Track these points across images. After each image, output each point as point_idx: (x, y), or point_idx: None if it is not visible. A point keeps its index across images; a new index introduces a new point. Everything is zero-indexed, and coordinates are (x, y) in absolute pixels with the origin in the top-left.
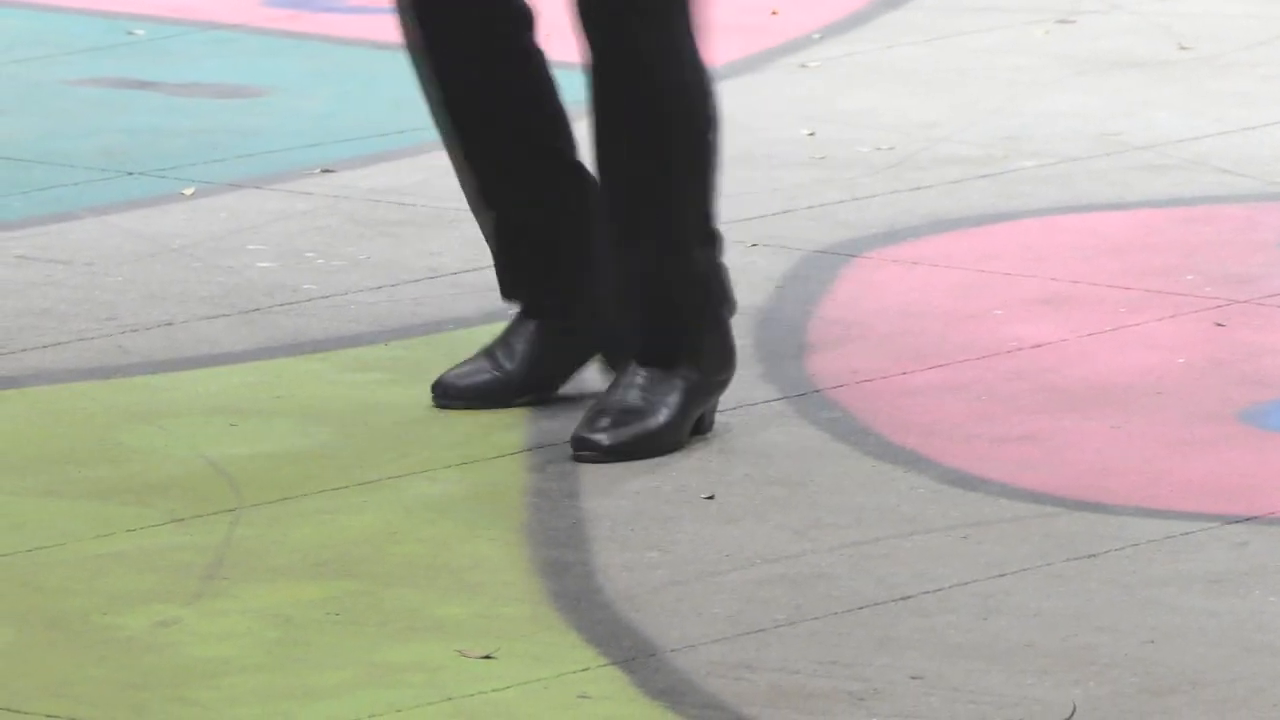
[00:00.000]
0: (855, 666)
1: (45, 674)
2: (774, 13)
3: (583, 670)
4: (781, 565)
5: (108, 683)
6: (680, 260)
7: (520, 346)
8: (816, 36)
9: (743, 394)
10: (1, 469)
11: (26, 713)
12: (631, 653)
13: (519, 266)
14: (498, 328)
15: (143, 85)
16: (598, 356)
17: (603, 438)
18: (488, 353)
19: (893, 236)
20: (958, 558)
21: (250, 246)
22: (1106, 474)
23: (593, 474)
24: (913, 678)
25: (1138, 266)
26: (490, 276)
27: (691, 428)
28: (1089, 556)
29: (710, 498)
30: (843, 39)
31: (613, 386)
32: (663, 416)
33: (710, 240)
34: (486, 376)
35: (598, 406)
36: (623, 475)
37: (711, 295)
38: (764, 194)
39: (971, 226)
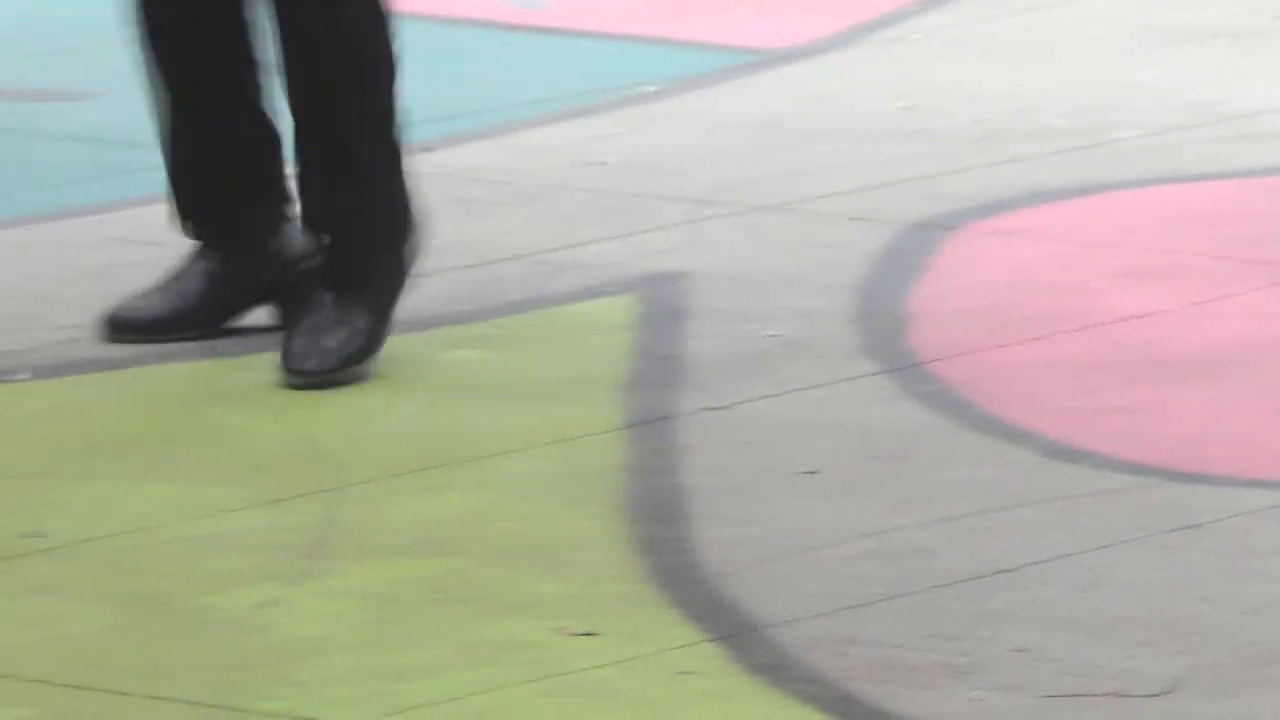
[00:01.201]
0: (956, 640)
1: (145, 656)
2: None
3: (682, 647)
4: (881, 540)
5: (207, 664)
6: (357, 185)
7: (193, 282)
8: (914, 10)
9: (842, 368)
10: (101, 451)
11: (127, 694)
12: (731, 629)
13: (200, 200)
14: (594, 305)
15: None
16: (272, 294)
17: (310, 364)
18: (162, 287)
19: (990, 209)
20: (1058, 530)
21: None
22: (1206, 444)
23: (690, 450)
24: (1014, 651)
25: (1235, 236)
26: (584, 253)
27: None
28: (1189, 528)
29: (810, 472)
30: (939, 12)
31: (306, 312)
32: (358, 338)
33: (387, 163)
34: (160, 310)
35: (295, 335)
36: (721, 451)
37: (393, 216)
38: (862, 168)
39: (1069, 198)
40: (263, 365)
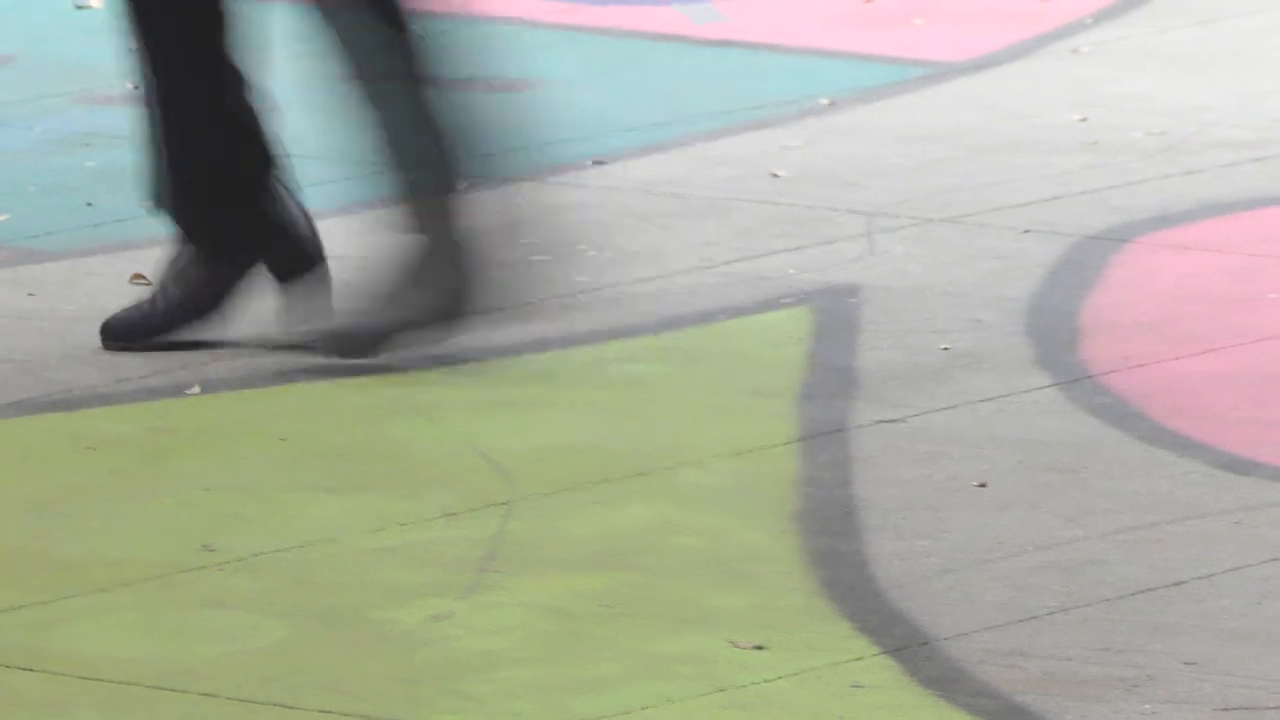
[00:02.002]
0: (1128, 653)
1: (320, 669)
2: None
3: (855, 660)
4: (1053, 552)
5: (382, 677)
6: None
7: (171, 282)
8: (1089, 21)
9: (1016, 381)
10: (276, 464)
11: (301, 708)
12: (903, 642)
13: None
14: (769, 318)
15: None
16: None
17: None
18: (151, 294)
19: (1165, 221)
20: (1231, 542)
21: (523, 240)
22: None
23: (865, 462)
24: (1186, 663)
25: None
26: (759, 265)
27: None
28: None
29: (982, 485)
30: (1115, 23)
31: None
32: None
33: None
34: (139, 315)
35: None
36: (895, 463)
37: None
38: (1036, 180)
39: (1244, 210)
40: (436, 379)
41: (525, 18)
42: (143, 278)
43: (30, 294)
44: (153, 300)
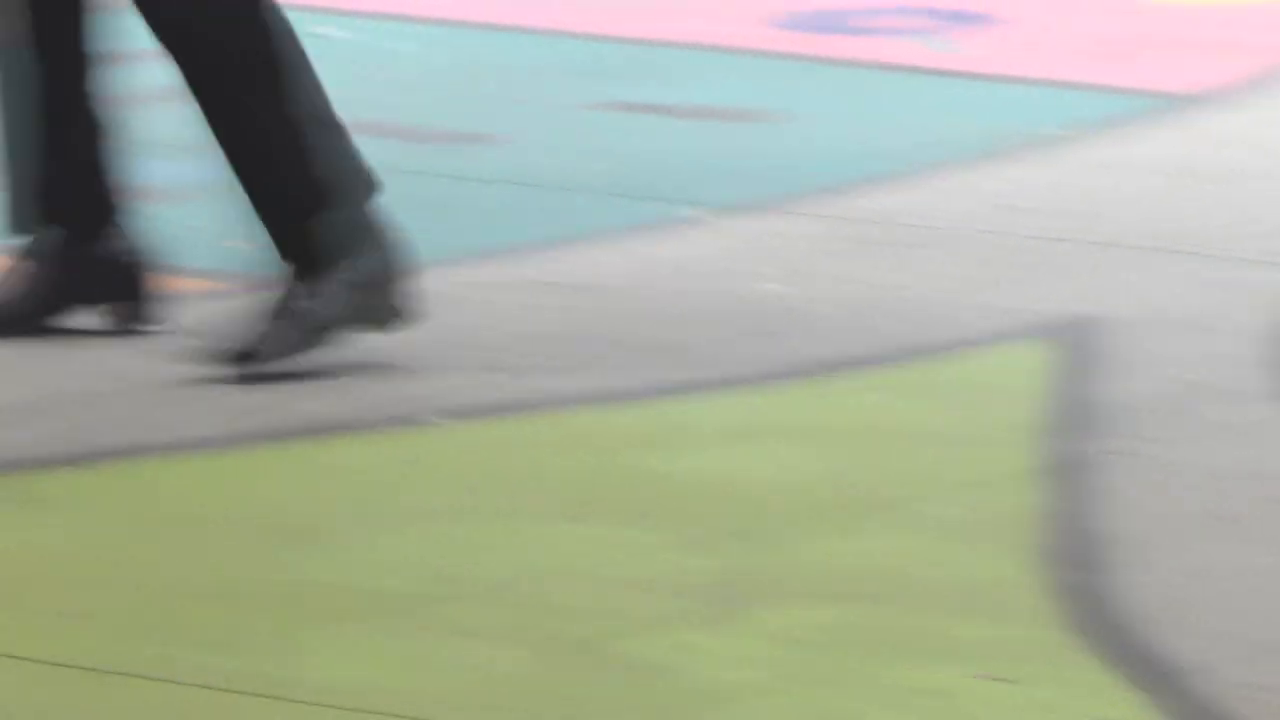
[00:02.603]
0: None
1: (563, 698)
2: None
3: (1102, 694)
4: None
5: (624, 707)
6: (262, 169)
7: (10, 279)
8: None
9: (1255, 412)
10: (518, 494)
11: None
12: (1151, 676)
13: (31, 199)
14: (1004, 349)
15: (653, 109)
16: (90, 295)
17: (243, 345)
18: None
19: None
20: None
21: (761, 269)
22: None
23: (1105, 494)
24: None
25: None
26: (994, 296)
27: (357, 319)
28: None
29: (1227, 517)
30: None
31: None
32: (308, 318)
33: (290, 144)
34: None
35: (227, 318)
36: (1136, 495)
37: (304, 192)
38: (1272, 211)
39: None
40: (677, 409)
41: (761, 47)
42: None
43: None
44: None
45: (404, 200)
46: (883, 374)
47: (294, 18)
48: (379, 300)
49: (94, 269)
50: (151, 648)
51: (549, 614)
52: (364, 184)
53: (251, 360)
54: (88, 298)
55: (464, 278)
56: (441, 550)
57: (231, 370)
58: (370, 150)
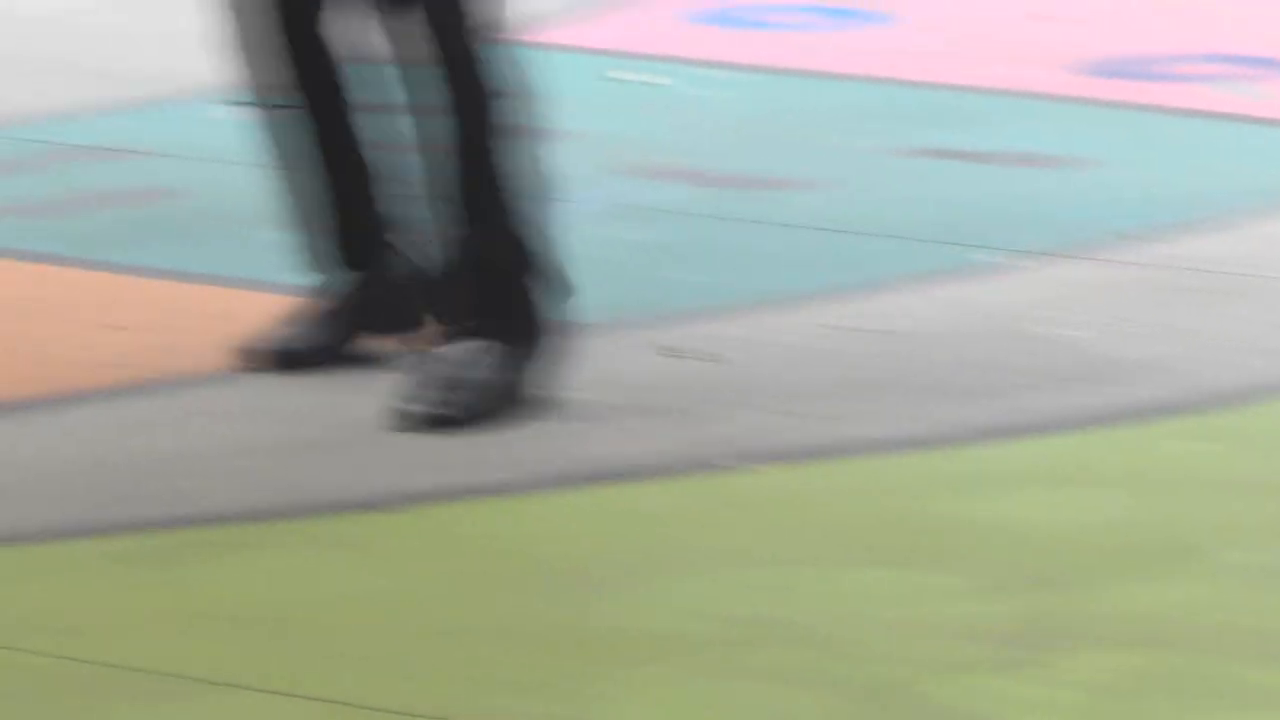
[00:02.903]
0: None
1: None
2: None
3: None
4: None
5: None
6: (488, 230)
7: (305, 319)
8: None
9: None
10: (817, 538)
11: None
12: None
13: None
14: None
15: (956, 155)
16: (377, 328)
17: (417, 407)
18: (288, 320)
19: None
20: None
21: (1067, 316)
22: None
23: None
24: None
25: None
26: None
27: (512, 397)
28: None
29: None
30: None
31: (431, 357)
32: (478, 382)
33: (518, 210)
34: (278, 345)
35: (417, 377)
36: None
37: (517, 264)
38: None
39: None
40: (978, 454)
41: (1065, 93)
42: (679, 351)
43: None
44: (284, 334)
45: (709, 245)
46: (1188, 420)
47: (596, 62)
48: (534, 374)
49: (377, 303)
50: (450, 691)
51: (849, 658)
52: (553, 258)
53: (425, 424)
54: (372, 331)
55: (768, 323)
56: (741, 595)
57: (408, 430)
58: (677, 196)
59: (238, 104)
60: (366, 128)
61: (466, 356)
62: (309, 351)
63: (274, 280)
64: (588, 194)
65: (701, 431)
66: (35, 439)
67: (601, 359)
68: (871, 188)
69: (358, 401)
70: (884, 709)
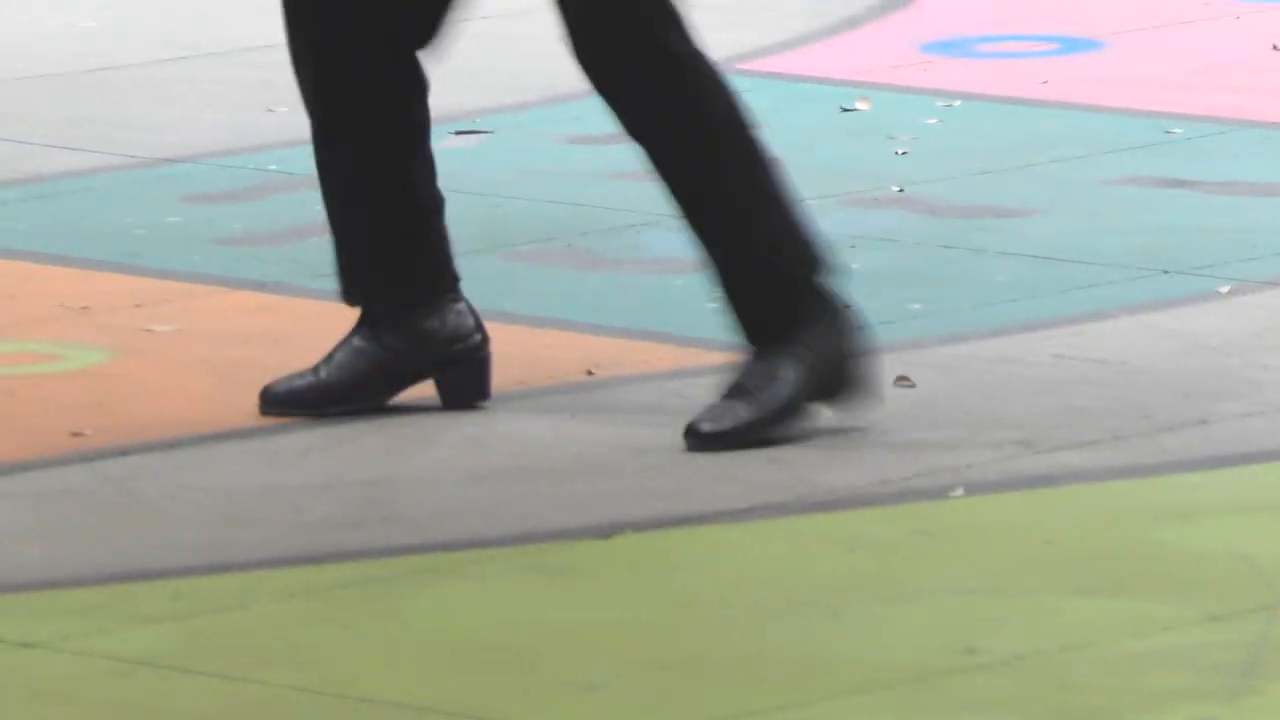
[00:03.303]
0: None
1: None
2: None
3: None
4: None
5: None
6: (743, 240)
7: (339, 355)
8: None
9: None
10: (1036, 566)
11: None
12: None
13: (356, 273)
14: None
15: (1181, 184)
16: (428, 380)
17: (705, 425)
18: (314, 367)
19: None
20: None
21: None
22: None
23: None
24: None
25: None
26: None
27: (824, 397)
28: None
29: None
30: None
31: (730, 374)
32: (768, 398)
33: (773, 213)
34: (302, 384)
35: (718, 396)
36: None
37: (792, 264)
38: None
39: None
40: (1197, 482)
41: None
42: (906, 379)
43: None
44: (313, 371)
45: (929, 274)
46: None
47: (825, 92)
48: (838, 378)
49: (427, 342)
50: None
51: (1066, 688)
52: (822, 260)
53: (712, 441)
54: (422, 369)
55: (991, 351)
56: (958, 623)
57: (695, 448)
58: (896, 223)
59: (466, 132)
60: (426, 158)
61: (762, 372)
62: (343, 391)
63: (488, 308)
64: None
65: (924, 460)
66: (259, 465)
67: None
68: (1089, 216)
69: (578, 426)
70: None
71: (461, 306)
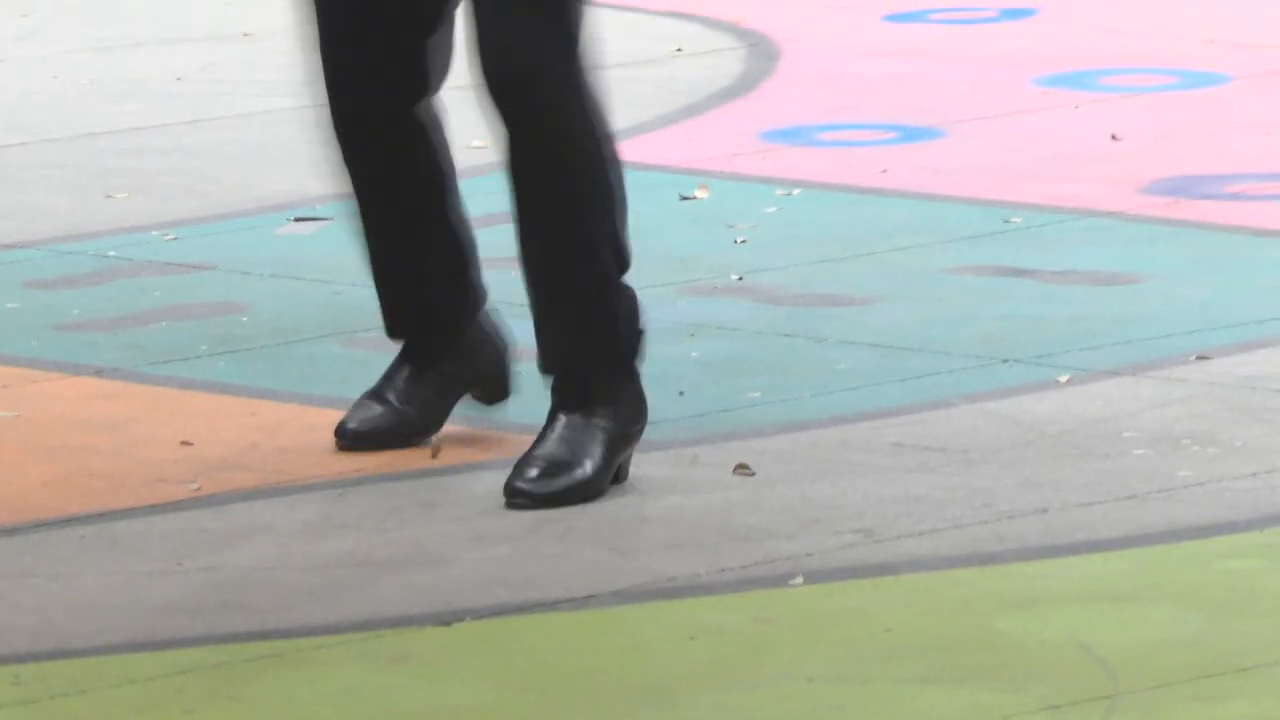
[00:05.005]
0: None
1: None
2: None
3: None
4: None
5: None
6: (592, 307)
7: (409, 387)
8: None
9: None
10: (879, 655)
11: None
12: None
13: (404, 313)
14: None
15: (1019, 273)
16: (469, 392)
17: (533, 488)
18: (377, 396)
19: None
20: None
21: (1126, 433)
22: None
23: None
24: None
25: None
26: None
27: (607, 479)
28: None
29: None
30: None
31: (540, 438)
32: (588, 467)
33: (619, 288)
34: (387, 418)
35: (527, 457)
36: None
37: (623, 342)
38: None
39: None
40: (1038, 572)
41: (1126, 211)
42: (746, 467)
43: (629, 482)
44: (387, 405)
45: (769, 362)
46: (1249, 539)
47: (664, 180)
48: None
49: (473, 358)
50: None
51: None
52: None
53: (536, 500)
54: (470, 382)
55: (831, 439)
56: (799, 712)
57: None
58: (735, 312)
59: (306, 219)
60: (456, 204)
61: (571, 436)
62: (423, 421)
63: (327, 394)
64: (656, 311)
65: (764, 548)
66: (98, 551)
67: (668, 474)
68: (930, 304)
69: (419, 513)
70: None
71: (488, 314)
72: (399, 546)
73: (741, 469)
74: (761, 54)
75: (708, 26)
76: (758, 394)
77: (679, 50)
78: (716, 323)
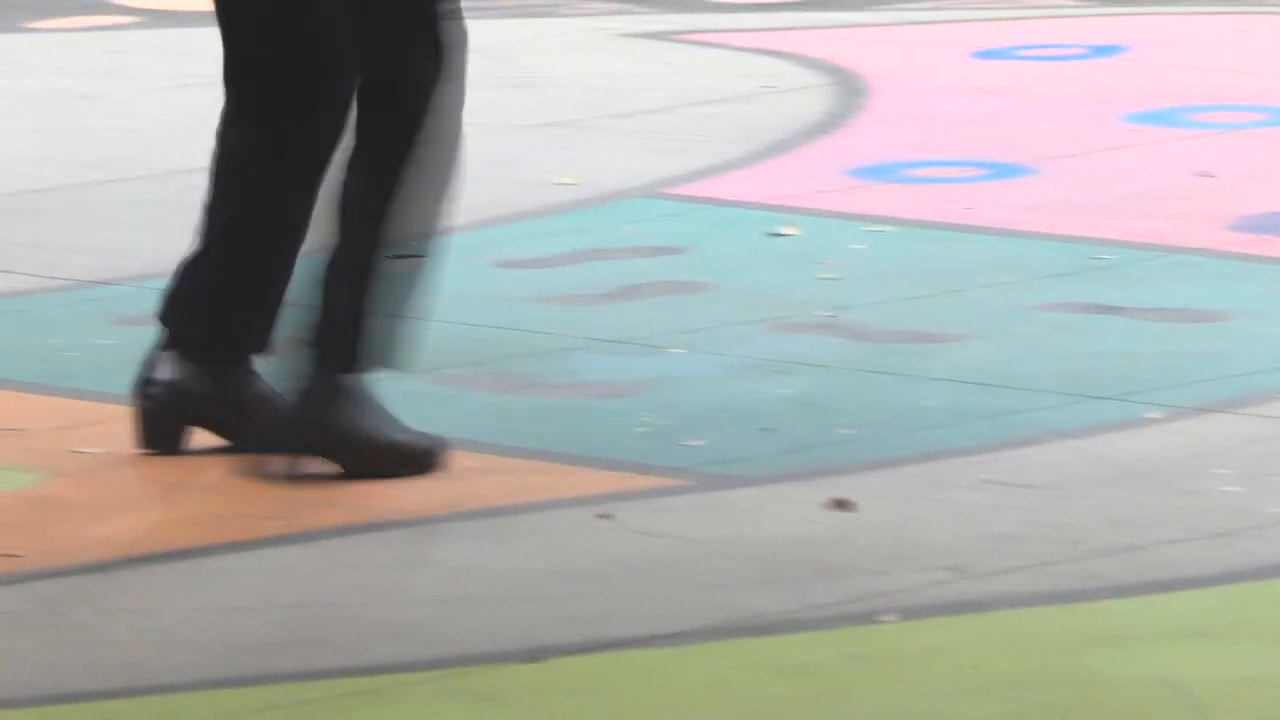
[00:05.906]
0: None
1: None
2: None
3: None
4: None
5: None
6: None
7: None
8: None
9: None
10: (965, 692)
11: None
12: None
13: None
14: None
15: (1108, 310)
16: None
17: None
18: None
19: None
20: None
21: (1216, 470)
22: None
23: None
24: None
25: None
26: None
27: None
28: None
29: None
30: None
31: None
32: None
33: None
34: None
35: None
36: None
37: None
38: None
39: None
40: (1131, 609)
41: (1214, 248)
42: (845, 503)
43: (721, 521)
44: None
45: (858, 399)
46: None
47: (752, 217)
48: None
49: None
50: None
51: None
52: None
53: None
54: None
55: (921, 476)
56: None
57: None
58: (824, 348)
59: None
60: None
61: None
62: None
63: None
64: (744, 347)
65: (854, 584)
66: (188, 588)
67: (759, 511)
68: (1018, 341)
69: (504, 549)
70: None
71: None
72: (484, 582)
73: (841, 504)
74: (850, 91)
75: (798, 64)
76: (847, 431)
77: (769, 87)
78: (805, 359)
